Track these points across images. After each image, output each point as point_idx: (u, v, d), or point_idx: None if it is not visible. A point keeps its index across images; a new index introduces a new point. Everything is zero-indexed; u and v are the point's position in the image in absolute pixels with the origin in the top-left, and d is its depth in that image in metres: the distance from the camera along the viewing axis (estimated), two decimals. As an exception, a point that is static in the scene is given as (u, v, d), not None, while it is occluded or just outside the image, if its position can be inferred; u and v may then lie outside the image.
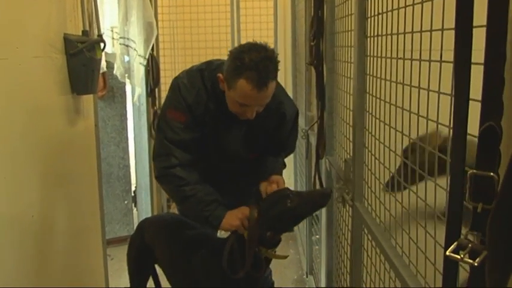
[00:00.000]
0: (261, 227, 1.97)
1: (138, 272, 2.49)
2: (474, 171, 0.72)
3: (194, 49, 4.85)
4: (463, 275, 0.84)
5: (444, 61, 1.00)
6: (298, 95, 4.01)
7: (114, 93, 4.14)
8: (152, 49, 4.08)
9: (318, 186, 2.60)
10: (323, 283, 2.68)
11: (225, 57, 2.05)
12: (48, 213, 2.11)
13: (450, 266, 0.80)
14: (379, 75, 1.52)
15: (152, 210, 4.41)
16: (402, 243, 1.36)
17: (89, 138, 2.61)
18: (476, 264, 0.69)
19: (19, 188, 1.86)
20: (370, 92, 1.65)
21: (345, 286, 2.14)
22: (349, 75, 1.94)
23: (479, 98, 0.77)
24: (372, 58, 1.62)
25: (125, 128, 4.25)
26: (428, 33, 1.08)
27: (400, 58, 1.29)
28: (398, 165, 1.43)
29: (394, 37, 1.34)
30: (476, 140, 0.74)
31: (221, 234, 2.33)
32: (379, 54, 1.52)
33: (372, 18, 1.58)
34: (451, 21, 0.93)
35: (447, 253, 0.74)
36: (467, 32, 0.76)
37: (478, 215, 0.72)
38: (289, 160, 4.23)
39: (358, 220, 1.76)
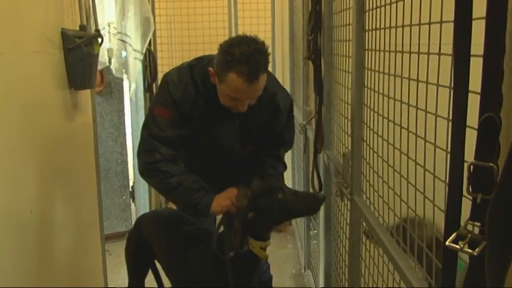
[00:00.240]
0: (246, 209, 1.97)
1: (137, 268, 2.49)
2: (474, 161, 0.73)
3: (191, 44, 4.84)
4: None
5: (443, 54, 1.00)
6: (296, 89, 4.01)
7: (112, 88, 4.13)
8: (150, 44, 4.08)
9: (316, 181, 2.60)
10: (321, 277, 2.69)
11: None
12: (46, 209, 2.11)
13: (449, 256, 0.81)
14: (377, 69, 1.53)
15: (150, 205, 4.41)
16: (401, 237, 1.37)
17: (86, 133, 2.61)
18: (475, 254, 0.70)
19: (17, 183, 1.86)
20: (369, 86, 1.65)
21: (343, 280, 2.15)
22: (347, 69, 1.94)
23: (477, 91, 0.77)
24: (370, 52, 1.62)
25: (123, 123, 4.25)
26: (427, 27, 1.08)
27: (399, 51, 1.29)
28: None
29: (393, 31, 1.34)
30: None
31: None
32: (378, 48, 1.52)
33: (370, 11, 1.58)
34: (449, 14, 0.93)
35: (447, 243, 0.75)
36: (467, 23, 0.76)
37: (478, 206, 0.72)
38: (287, 155, 4.25)
39: (357, 214, 1.77)
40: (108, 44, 3.73)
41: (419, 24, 1.13)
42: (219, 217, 2.80)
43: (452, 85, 0.85)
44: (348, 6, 1.89)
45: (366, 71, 1.67)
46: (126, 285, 2.51)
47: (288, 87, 4.38)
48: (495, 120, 0.69)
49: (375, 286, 1.63)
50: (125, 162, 4.31)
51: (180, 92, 2.12)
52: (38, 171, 2.05)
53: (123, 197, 4.35)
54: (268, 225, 2.03)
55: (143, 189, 4.36)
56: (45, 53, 2.08)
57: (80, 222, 2.51)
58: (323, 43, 2.38)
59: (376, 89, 1.55)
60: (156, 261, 2.49)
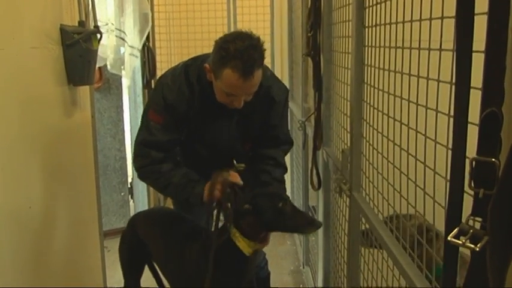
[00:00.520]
0: (243, 201, 1.97)
1: (132, 268, 2.45)
2: (476, 156, 0.73)
3: (190, 41, 4.83)
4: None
5: (443, 49, 1.00)
6: (295, 86, 4.00)
7: (110, 85, 4.12)
8: (148, 40, 4.07)
9: (314, 177, 2.60)
10: (320, 274, 2.69)
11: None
12: (45, 205, 2.11)
13: (451, 251, 0.81)
14: (377, 65, 1.52)
15: (149, 202, 4.41)
16: (401, 233, 1.37)
17: (85, 129, 2.61)
18: (477, 249, 0.70)
19: (16, 179, 1.86)
20: (368, 82, 1.65)
21: (342, 277, 2.15)
22: (346, 66, 1.94)
23: (477, 86, 0.77)
24: (370, 48, 1.62)
25: (121, 120, 4.24)
26: (428, 23, 1.08)
27: (399, 47, 1.29)
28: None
29: (393, 27, 1.33)
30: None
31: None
32: (377, 44, 1.52)
33: (370, 8, 1.58)
34: (450, 10, 0.93)
35: (448, 238, 0.75)
36: (469, 18, 0.76)
37: (479, 201, 0.72)
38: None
39: (356, 210, 1.77)
40: (106, 40, 3.73)
41: (420, 20, 1.13)
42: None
43: (453, 81, 0.85)
44: (347, 3, 1.88)
45: (366, 67, 1.67)
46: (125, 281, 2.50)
47: (287, 84, 4.37)
48: (497, 115, 0.69)
49: (374, 283, 1.63)
50: (124, 158, 4.31)
51: (174, 94, 2.13)
52: (37, 168, 2.04)
53: (122, 194, 4.34)
54: (257, 226, 1.97)
55: (142, 185, 4.36)
56: (43, 48, 2.08)
57: (78, 218, 2.51)
58: (322, 40, 2.38)
59: (376, 86, 1.55)
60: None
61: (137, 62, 3.99)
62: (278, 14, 4.87)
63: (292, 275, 3.65)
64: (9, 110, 1.80)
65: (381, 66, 1.48)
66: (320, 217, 2.63)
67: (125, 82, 4.13)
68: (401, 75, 1.28)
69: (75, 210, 2.46)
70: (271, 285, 2.82)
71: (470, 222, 0.75)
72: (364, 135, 1.72)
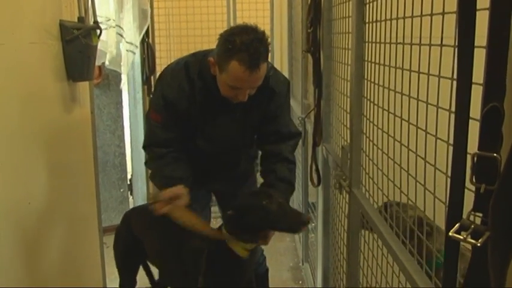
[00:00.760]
0: (226, 207, 1.98)
1: (128, 265, 2.44)
2: (478, 152, 0.73)
3: (190, 37, 4.82)
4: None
5: (444, 45, 1.00)
6: (295, 82, 4.00)
7: (110, 81, 4.12)
8: (148, 37, 4.06)
9: (314, 174, 2.60)
10: (319, 270, 2.69)
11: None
12: (44, 201, 2.11)
13: (452, 246, 0.81)
14: (377, 61, 1.52)
15: (148, 198, 4.41)
16: (400, 229, 1.37)
17: (85, 125, 2.60)
18: (479, 244, 0.70)
19: (15, 175, 1.86)
20: (368, 78, 1.65)
21: (342, 273, 2.15)
22: (346, 62, 1.94)
23: (478, 82, 0.77)
24: (370, 44, 1.62)
25: (121, 116, 4.24)
26: (429, 19, 1.07)
27: (400, 43, 1.29)
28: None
29: (393, 23, 1.33)
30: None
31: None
32: (378, 40, 1.51)
33: (370, 3, 1.57)
34: (451, 5, 0.93)
35: (450, 234, 0.75)
36: (471, 13, 0.75)
37: (481, 196, 0.72)
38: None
39: (356, 206, 1.77)
40: (105, 36, 3.72)
41: (421, 15, 1.12)
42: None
43: (455, 76, 0.85)
44: (347, -1, 1.88)
45: (366, 63, 1.67)
46: (124, 277, 2.50)
47: (286, 80, 4.38)
48: (499, 110, 0.69)
49: (373, 279, 1.63)
50: (123, 155, 4.30)
51: (175, 92, 2.13)
52: (36, 164, 2.04)
53: (121, 190, 4.34)
54: (247, 228, 1.94)
55: (141, 181, 4.36)
56: (43, 44, 2.07)
57: (77, 214, 2.51)
58: (322, 36, 2.37)
59: (376, 81, 1.54)
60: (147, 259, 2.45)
61: (136, 58, 3.98)
62: (278, 10, 4.86)
63: (291, 272, 3.66)
64: (8, 105, 1.80)
65: (381, 62, 1.47)
66: (319, 213, 2.63)
67: (126, 78, 4.13)
68: (402, 71, 1.28)
69: (74, 206, 2.46)
70: (270, 282, 2.82)
71: (472, 218, 0.75)
72: (364, 131, 1.72)
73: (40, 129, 2.08)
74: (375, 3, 1.52)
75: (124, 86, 4.12)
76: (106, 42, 3.42)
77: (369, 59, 1.63)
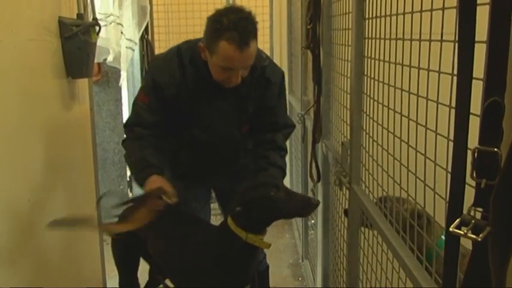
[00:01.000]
0: (234, 201, 1.93)
1: (128, 262, 2.43)
2: (478, 146, 0.72)
3: (189, 33, 4.80)
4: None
5: (445, 40, 1.00)
6: (294, 79, 4.00)
7: (109, 78, 4.12)
8: (147, 33, 4.06)
9: (314, 170, 2.60)
10: (319, 267, 2.69)
11: None
12: (44, 198, 2.11)
13: (452, 241, 0.80)
14: (377, 57, 1.52)
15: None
16: (400, 225, 1.37)
17: (84, 122, 2.60)
18: (479, 239, 0.70)
19: (15, 172, 1.86)
20: (368, 74, 1.64)
21: (342, 270, 2.15)
22: (346, 58, 1.93)
23: (478, 77, 0.77)
24: (370, 40, 1.61)
25: (120, 113, 4.24)
26: (429, 15, 1.07)
27: (400, 39, 1.28)
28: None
29: (393, 18, 1.33)
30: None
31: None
32: (378, 36, 1.51)
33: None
34: (451, 1, 0.93)
35: (450, 229, 0.74)
36: (471, 8, 0.75)
37: (481, 191, 0.72)
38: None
39: (356, 203, 1.77)
40: (105, 33, 3.72)
41: (421, 11, 1.12)
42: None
43: (455, 72, 0.84)
44: (347, -5, 1.88)
45: (366, 59, 1.66)
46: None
47: (286, 77, 4.37)
48: (500, 105, 0.69)
49: (373, 276, 1.63)
50: (122, 151, 4.29)
51: (165, 76, 2.13)
52: (35, 160, 2.04)
53: (121, 187, 4.34)
54: (259, 221, 1.93)
55: (141, 179, 4.35)
56: (42, 41, 2.07)
57: (77, 211, 2.51)
58: (322, 32, 2.37)
59: (376, 77, 1.54)
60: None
61: (135, 55, 3.97)
62: (277, 6, 4.85)
63: (291, 268, 3.66)
64: (8, 102, 1.80)
65: (381, 58, 1.47)
66: (319, 210, 2.63)
67: (125, 75, 4.12)
68: (402, 67, 1.27)
69: (74, 203, 2.46)
70: (270, 278, 2.83)
71: (472, 213, 0.74)
72: (364, 128, 1.72)
73: (39, 126, 2.07)
74: (374, -1, 1.52)
75: (123, 82, 4.11)
76: (108, 39, 3.42)
77: (369, 55, 1.62)
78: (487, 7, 0.73)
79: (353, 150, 1.76)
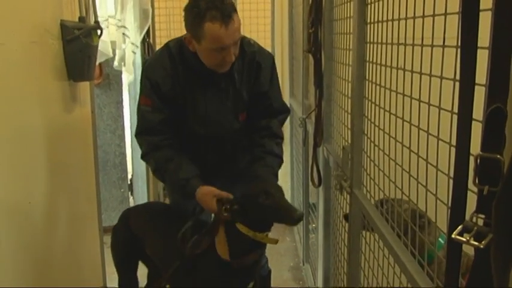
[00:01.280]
0: (233, 202, 2.00)
1: (128, 263, 2.43)
2: (481, 153, 0.72)
3: (190, 37, 4.81)
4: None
5: (447, 46, 1.00)
6: (295, 83, 4.00)
7: (110, 80, 4.12)
8: (148, 37, 4.06)
9: (315, 174, 2.60)
10: (320, 271, 2.69)
11: None
12: (45, 201, 2.11)
13: (454, 248, 0.80)
14: (379, 62, 1.52)
15: (148, 198, 4.40)
16: (402, 230, 1.36)
17: (85, 125, 2.60)
18: (482, 246, 0.69)
19: (16, 174, 1.85)
20: (370, 79, 1.64)
21: (342, 274, 2.15)
22: (347, 63, 1.93)
23: (480, 83, 0.77)
24: (371, 45, 1.61)
25: (121, 116, 4.23)
26: (430, 19, 1.07)
27: (402, 44, 1.28)
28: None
29: (395, 23, 1.33)
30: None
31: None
32: (379, 41, 1.51)
33: (372, 4, 1.57)
34: (453, 6, 0.93)
35: (452, 236, 0.74)
36: (474, 14, 0.75)
37: (484, 198, 0.71)
38: (285, 149, 4.23)
39: (357, 207, 1.77)
40: (107, 36, 3.72)
41: (423, 16, 1.12)
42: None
43: (457, 78, 0.84)
44: (349, -1, 1.88)
45: (367, 64, 1.66)
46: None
47: (287, 81, 4.38)
48: (502, 112, 0.69)
49: (374, 280, 1.63)
50: (123, 154, 4.30)
51: (159, 72, 2.15)
52: (36, 163, 2.04)
53: (122, 190, 4.34)
54: (253, 221, 1.99)
55: (141, 181, 4.35)
56: (43, 43, 2.07)
57: (78, 214, 2.51)
58: (323, 36, 2.37)
59: (378, 82, 1.54)
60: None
61: (136, 58, 3.97)
62: (279, 10, 4.85)
63: (292, 272, 3.65)
64: (9, 105, 1.79)
65: (383, 63, 1.47)
66: (320, 214, 2.63)
67: (126, 78, 4.12)
68: (404, 72, 1.27)
69: (75, 206, 2.46)
70: (271, 282, 2.82)
71: (474, 220, 0.74)
72: (365, 132, 1.72)
73: (40, 128, 2.07)
74: (376, 3, 1.52)
75: (128, 85, 4.12)
76: (114, 42, 3.43)
77: (370, 60, 1.62)
78: (490, 13, 0.73)
79: (354, 154, 1.76)
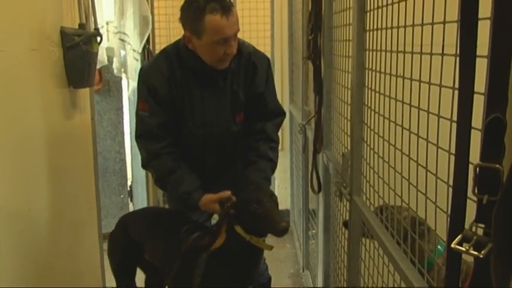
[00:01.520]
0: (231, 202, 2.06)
1: (127, 269, 2.43)
2: (480, 162, 0.72)
3: (190, 43, 4.81)
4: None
5: (446, 54, 1.00)
6: (295, 89, 4.00)
7: (110, 87, 4.12)
8: (148, 43, 4.06)
9: (315, 181, 2.59)
10: (320, 278, 2.68)
11: None
12: (44, 207, 2.10)
13: (453, 258, 0.80)
14: (378, 69, 1.52)
15: (148, 204, 4.39)
16: (402, 238, 1.36)
17: (85, 131, 2.60)
18: (481, 256, 0.69)
19: (15, 181, 1.85)
20: (369, 86, 1.64)
21: (342, 281, 2.14)
22: (347, 70, 1.93)
23: (479, 91, 0.77)
24: (370, 52, 1.62)
25: (121, 122, 4.24)
26: (429, 27, 1.07)
27: (401, 51, 1.28)
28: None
29: (394, 31, 1.33)
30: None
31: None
32: (378, 48, 1.51)
33: (371, 11, 1.57)
34: (452, 14, 0.93)
35: (452, 245, 0.74)
36: (473, 22, 0.75)
37: (483, 207, 0.71)
38: (285, 155, 4.24)
39: (356, 214, 1.76)
40: (106, 42, 3.72)
41: (422, 24, 1.12)
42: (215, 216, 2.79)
43: (456, 86, 0.84)
44: (348, 6, 1.88)
45: (367, 71, 1.67)
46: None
47: (287, 87, 4.38)
48: (502, 121, 0.69)
49: (374, 287, 1.62)
50: (123, 161, 4.30)
51: (156, 76, 2.17)
52: (36, 170, 2.04)
53: (121, 196, 4.33)
54: (247, 226, 2.03)
55: (141, 188, 4.35)
56: (44, 50, 2.07)
57: (78, 221, 2.50)
58: (323, 43, 2.37)
59: (377, 89, 1.54)
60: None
61: (138, 65, 3.98)
62: (278, 17, 4.86)
63: (292, 278, 3.65)
64: (9, 111, 1.80)
65: (382, 70, 1.47)
66: (320, 220, 2.62)
67: (125, 84, 4.13)
68: (403, 79, 1.27)
69: (74, 212, 2.45)
70: (271, 289, 2.82)
71: (474, 229, 0.74)
72: (365, 139, 1.72)
73: (40, 135, 2.07)
74: (375, 11, 1.52)
75: (131, 92, 4.13)
76: (111, 48, 3.43)
77: (370, 67, 1.62)
78: (488, 21, 0.73)
79: (354, 161, 1.76)
